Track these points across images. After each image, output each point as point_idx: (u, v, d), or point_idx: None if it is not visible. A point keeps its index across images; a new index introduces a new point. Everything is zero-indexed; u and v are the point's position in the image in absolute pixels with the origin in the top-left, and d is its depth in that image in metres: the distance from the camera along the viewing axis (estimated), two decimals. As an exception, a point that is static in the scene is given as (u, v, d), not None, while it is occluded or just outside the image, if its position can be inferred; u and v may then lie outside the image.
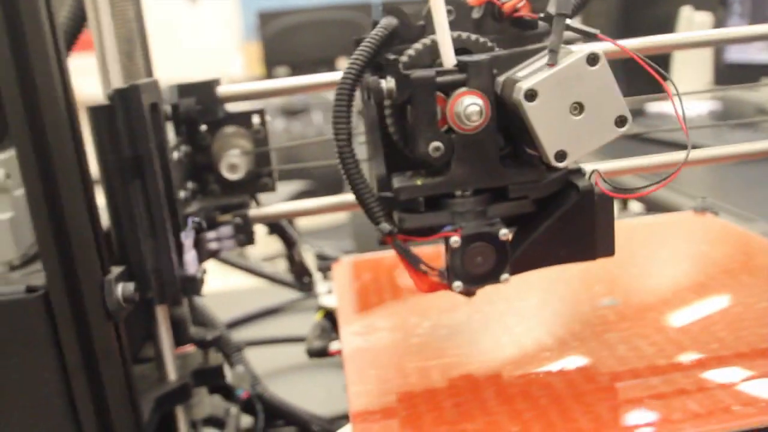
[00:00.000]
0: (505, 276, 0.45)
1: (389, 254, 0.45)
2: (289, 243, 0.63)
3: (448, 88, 0.43)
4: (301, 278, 0.66)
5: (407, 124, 0.45)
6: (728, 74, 1.98)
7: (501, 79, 0.44)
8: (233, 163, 0.52)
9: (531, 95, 0.41)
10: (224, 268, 0.77)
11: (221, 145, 0.52)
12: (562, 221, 0.47)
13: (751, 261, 0.62)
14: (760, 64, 1.78)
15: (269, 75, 4.06)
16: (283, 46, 4.04)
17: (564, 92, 0.41)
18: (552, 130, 0.41)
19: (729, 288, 0.57)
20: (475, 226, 0.44)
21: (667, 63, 1.99)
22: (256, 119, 0.53)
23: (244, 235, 0.52)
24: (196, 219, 0.49)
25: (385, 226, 0.45)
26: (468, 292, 0.48)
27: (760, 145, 0.59)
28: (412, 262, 0.46)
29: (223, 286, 0.94)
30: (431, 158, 0.44)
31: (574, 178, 0.47)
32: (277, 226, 0.62)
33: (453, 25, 0.45)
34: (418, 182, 0.45)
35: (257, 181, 0.54)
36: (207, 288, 0.51)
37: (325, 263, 0.69)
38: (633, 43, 0.55)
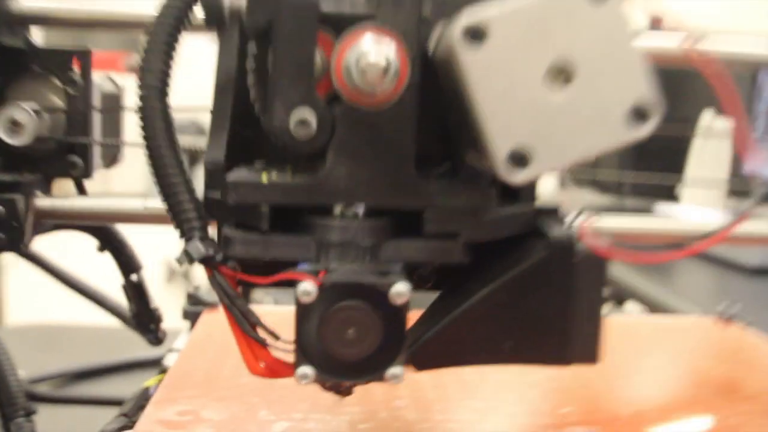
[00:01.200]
0: (395, 370, 0.25)
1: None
2: (132, 267, 0.43)
3: (343, 23, 0.25)
4: (147, 325, 0.45)
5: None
6: (742, 185, 1.81)
7: (438, 29, 0.25)
8: (17, 119, 0.33)
9: (476, 35, 0.22)
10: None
11: (13, 94, 0.34)
12: (516, 292, 0.28)
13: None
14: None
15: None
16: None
17: (538, 42, 0.22)
18: (506, 106, 0.22)
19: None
20: (351, 270, 0.25)
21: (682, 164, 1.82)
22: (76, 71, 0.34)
23: (4, 234, 0.32)
24: None
25: (198, 247, 0.25)
26: (336, 389, 0.28)
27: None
28: (240, 320, 0.26)
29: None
30: (294, 138, 0.25)
31: (544, 220, 0.28)
32: (112, 239, 0.42)
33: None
34: (266, 178, 0.26)
35: (62, 157, 0.34)
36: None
37: (197, 308, 0.49)
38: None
